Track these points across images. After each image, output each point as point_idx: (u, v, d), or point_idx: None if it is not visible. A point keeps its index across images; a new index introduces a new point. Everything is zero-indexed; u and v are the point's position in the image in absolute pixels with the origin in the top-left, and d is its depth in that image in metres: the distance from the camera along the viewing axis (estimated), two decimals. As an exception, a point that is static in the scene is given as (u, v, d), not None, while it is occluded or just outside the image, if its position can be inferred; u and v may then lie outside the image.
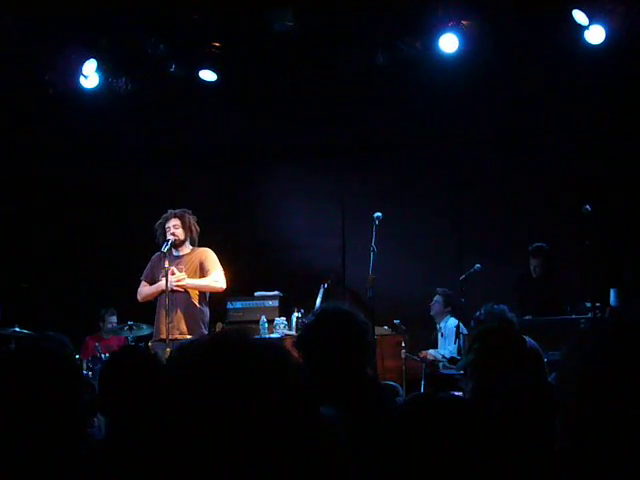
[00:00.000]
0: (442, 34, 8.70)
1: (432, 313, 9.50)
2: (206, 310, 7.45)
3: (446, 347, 9.16)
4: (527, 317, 8.09)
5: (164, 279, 7.23)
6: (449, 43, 8.71)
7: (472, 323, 8.06)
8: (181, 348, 1.33)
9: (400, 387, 7.63)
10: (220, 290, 7.46)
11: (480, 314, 5.83)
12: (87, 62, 9.08)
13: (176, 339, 7.05)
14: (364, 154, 10.90)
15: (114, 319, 10.03)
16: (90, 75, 9.20)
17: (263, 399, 1.19)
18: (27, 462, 2.20)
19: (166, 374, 1.25)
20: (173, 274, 7.29)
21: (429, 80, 9.30)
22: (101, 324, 10.09)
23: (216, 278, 7.40)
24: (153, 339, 7.53)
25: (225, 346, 1.25)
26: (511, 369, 3.56)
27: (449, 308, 9.38)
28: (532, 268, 8.81)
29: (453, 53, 8.79)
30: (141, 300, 7.51)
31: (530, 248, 8.81)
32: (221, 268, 7.47)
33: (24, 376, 2.31)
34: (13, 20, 8.35)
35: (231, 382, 1.20)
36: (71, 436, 2.31)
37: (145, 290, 7.45)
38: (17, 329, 8.81)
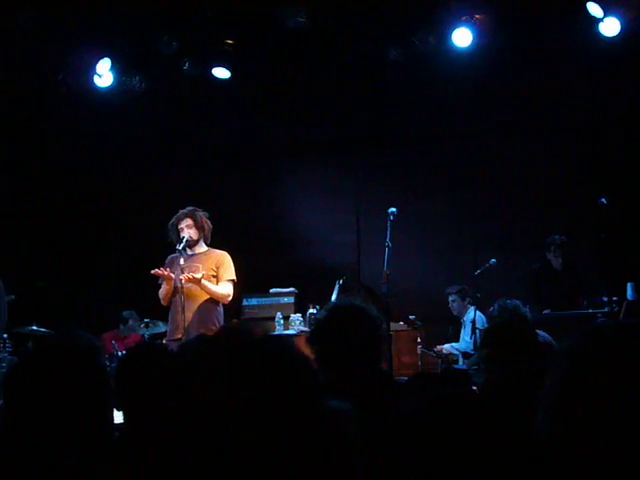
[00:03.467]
0: (455, 28, 8.68)
1: (455, 314, 9.48)
2: (220, 308, 7.44)
3: (464, 337, 9.15)
4: (546, 311, 8.06)
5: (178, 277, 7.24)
6: (462, 37, 8.69)
7: (486, 318, 8.07)
8: (187, 344, 1.33)
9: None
10: (224, 302, 7.42)
11: (493, 309, 5.83)
12: (101, 61, 9.11)
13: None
14: (379, 150, 10.89)
15: (133, 320, 10.07)
16: (104, 74, 9.23)
17: (266, 391, 1.19)
18: (54, 457, 2.21)
19: (174, 369, 1.26)
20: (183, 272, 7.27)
21: (442, 75, 9.28)
22: (121, 325, 10.11)
23: (226, 290, 7.36)
24: (168, 337, 7.53)
25: (229, 340, 1.25)
26: (524, 363, 3.55)
27: (468, 300, 9.35)
28: (558, 261, 8.71)
29: (466, 47, 8.76)
30: (164, 303, 7.50)
31: (555, 241, 8.71)
32: (233, 277, 7.41)
33: (52, 373, 2.33)
34: (27, 20, 8.38)
35: (234, 375, 1.20)
36: (97, 431, 2.33)
37: (161, 290, 7.45)
38: (34, 327, 8.88)
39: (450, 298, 9.44)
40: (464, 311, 9.41)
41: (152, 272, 7.28)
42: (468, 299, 9.34)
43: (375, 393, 3.03)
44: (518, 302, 5.74)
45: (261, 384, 1.20)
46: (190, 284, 7.19)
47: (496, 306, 5.86)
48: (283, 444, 1.19)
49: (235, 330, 1.31)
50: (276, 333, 8.51)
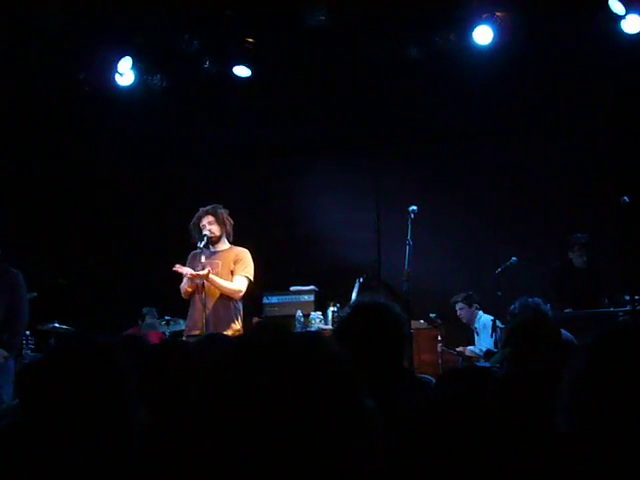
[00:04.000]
0: (476, 26, 8.66)
1: (465, 322, 9.44)
2: (240, 305, 7.46)
3: (482, 343, 9.11)
4: (567, 310, 8.02)
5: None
6: (483, 35, 8.66)
7: (507, 317, 8.04)
8: (224, 342, 1.34)
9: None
10: (235, 297, 7.42)
11: (515, 307, 5.80)
12: (122, 60, 9.16)
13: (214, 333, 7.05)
14: (398, 147, 10.87)
15: (152, 316, 10.11)
16: (125, 73, 9.27)
17: (308, 388, 1.20)
18: (72, 454, 2.22)
19: (211, 368, 1.26)
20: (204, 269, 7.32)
21: (463, 72, 9.25)
22: (140, 322, 10.17)
23: (237, 286, 7.37)
24: (186, 333, 7.56)
25: (269, 337, 1.26)
26: (547, 362, 3.53)
27: (475, 306, 9.33)
28: (581, 260, 8.65)
29: (487, 45, 8.74)
30: (184, 296, 7.54)
31: (582, 240, 8.65)
32: (248, 274, 7.42)
33: (70, 372, 2.34)
34: (49, 20, 8.43)
35: (275, 373, 1.20)
36: (116, 430, 2.34)
37: (183, 284, 7.49)
38: (56, 325, 8.93)
39: (457, 306, 9.39)
40: (473, 317, 9.36)
41: (173, 269, 7.32)
42: (475, 305, 9.31)
43: (398, 391, 3.03)
44: (539, 300, 5.71)
45: (301, 381, 1.20)
46: (202, 274, 7.24)
47: (517, 304, 5.83)
48: (323, 443, 1.19)
49: (271, 327, 1.31)
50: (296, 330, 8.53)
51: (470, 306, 9.34)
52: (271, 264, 8.43)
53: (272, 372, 1.20)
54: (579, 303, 8.25)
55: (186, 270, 7.30)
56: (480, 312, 9.29)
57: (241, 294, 7.40)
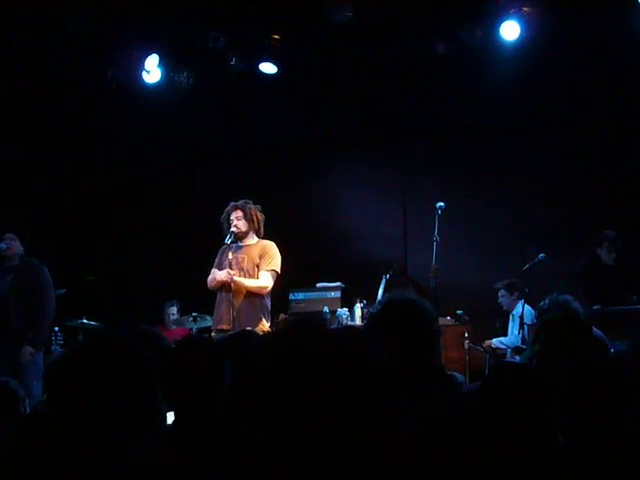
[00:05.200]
0: (503, 21, 8.61)
1: (505, 308, 9.44)
2: (267, 301, 7.47)
3: (513, 331, 9.09)
4: (596, 307, 7.97)
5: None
6: (510, 30, 8.61)
7: (536, 313, 7.99)
8: (261, 340, 1.33)
9: (463, 378, 7.57)
10: (262, 294, 7.43)
11: (544, 304, 5.76)
12: (149, 57, 9.19)
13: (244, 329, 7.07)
14: (425, 144, 10.84)
15: (174, 310, 10.18)
16: (152, 70, 9.31)
17: (348, 386, 1.19)
18: (101, 448, 2.24)
19: (251, 364, 1.25)
20: (231, 265, 7.38)
21: (490, 68, 9.20)
22: (163, 316, 10.24)
23: (263, 282, 7.39)
24: (213, 327, 7.59)
25: (308, 333, 1.25)
26: (577, 359, 3.51)
27: (516, 294, 9.30)
28: (610, 257, 8.61)
29: (515, 40, 8.68)
30: (209, 287, 7.59)
31: (610, 237, 8.60)
32: (274, 267, 7.43)
33: (98, 367, 2.35)
34: (76, 18, 8.48)
35: (315, 369, 1.20)
36: (143, 425, 2.35)
37: (210, 278, 7.55)
38: (84, 320, 9.01)
39: (499, 293, 9.41)
40: (513, 305, 9.35)
41: (221, 278, 7.35)
42: (517, 293, 9.28)
43: (428, 387, 3.02)
44: (569, 297, 5.67)
45: (341, 380, 1.19)
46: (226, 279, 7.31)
47: (547, 301, 5.79)
48: (360, 442, 1.19)
49: (308, 323, 1.30)
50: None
51: (511, 294, 9.34)
52: (297, 261, 8.43)
53: (310, 370, 1.19)
54: (607, 300, 8.19)
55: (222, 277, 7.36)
56: (521, 301, 9.27)
57: (267, 290, 7.41)
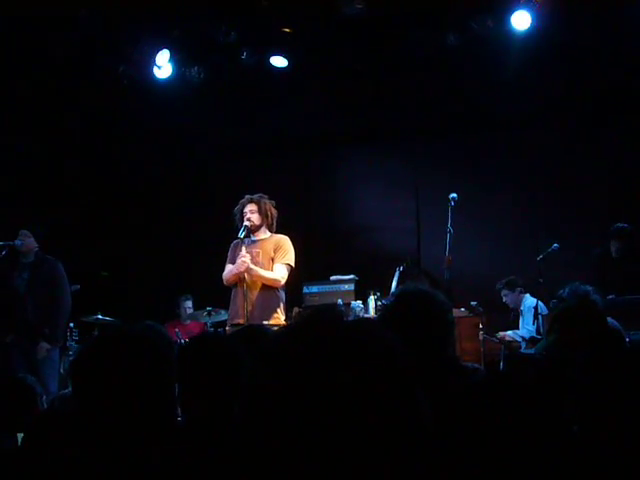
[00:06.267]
0: (514, 11, 8.57)
1: (512, 307, 9.43)
2: (282, 295, 7.48)
3: (524, 326, 9.07)
4: (610, 296, 7.94)
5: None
6: (521, 20, 8.58)
7: (551, 303, 7.97)
8: (279, 334, 1.33)
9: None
10: (276, 286, 7.43)
11: (564, 292, 5.75)
12: (160, 53, 9.21)
13: (253, 324, 7.08)
14: (437, 135, 10.83)
15: (189, 304, 10.21)
16: (163, 65, 9.33)
17: (366, 378, 1.19)
18: (121, 442, 2.25)
19: (267, 360, 1.25)
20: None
21: (502, 59, 9.16)
22: (177, 310, 10.26)
23: (278, 274, 7.39)
24: (228, 322, 7.60)
25: (325, 324, 1.25)
26: (592, 348, 3.50)
27: (519, 289, 9.30)
28: (614, 249, 8.60)
29: (526, 30, 8.65)
30: (225, 283, 7.60)
31: (612, 229, 8.59)
32: (289, 261, 7.43)
33: (119, 360, 2.36)
34: (88, 13, 8.50)
35: (331, 362, 1.19)
36: (161, 420, 2.36)
37: (225, 272, 7.55)
38: (99, 316, 9.04)
39: (502, 293, 9.40)
40: (519, 300, 9.34)
41: (238, 269, 7.35)
42: (519, 288, 9.28)
43: (443, 378, 3.02)
44: (590, 288, 5.64)
45: (359, 372, 1.19)
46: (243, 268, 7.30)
47: (567, 290, 5.77)
48: (378, 435, 1.19)
49: (326, 315, 1.30)
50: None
51: (513, 291, 9.33)
52: (311, 254, 8.43)
53: (328, 361, 1.19)
54: (618, 289, 8.16)
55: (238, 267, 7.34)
56: (527, 295, 9.25)
57: (282, 282, 7.41)
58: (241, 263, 7.28)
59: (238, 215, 7.52)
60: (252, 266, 7.26)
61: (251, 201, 7.51)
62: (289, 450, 1.19)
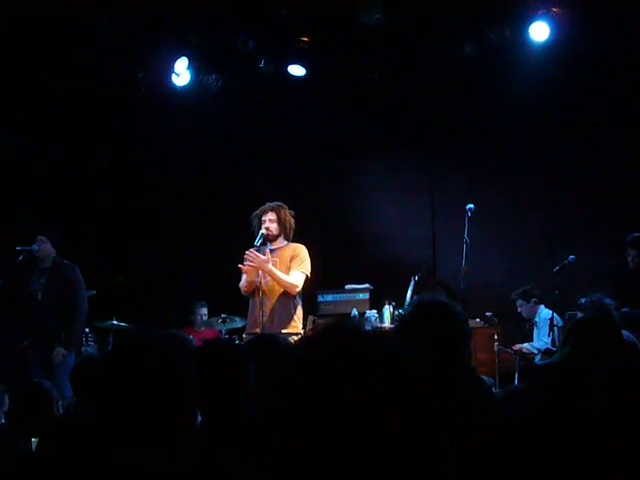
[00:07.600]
0: (532, 22, 8.56)
1: (526, 317, 9.33)
2: (299, 304, 7.46)
3: (541, 338, 9.01)
4: (625, 309, 7.90)
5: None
6: (540, 31, 8.56)
7: (567, 315, 7.94)
8: (298, 346, 1.32)
9: (493, 381, 7.55)
10: (291, 292, 7.39)
11: (584, 301, 5.70)
12: (178, 60, 9.25)
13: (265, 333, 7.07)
14: (454, 145, 10.82)
15: (204, 311, 10.22)
16: (181, 73, 9.36)
17: (388, 393, 1.18)
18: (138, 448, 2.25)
19: (287, 373, 1.24)
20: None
21: (519, 70, 9.15)
22: (192, 317, 10.27)
23: (294, 280, 7.36)
24: (246, 331, 7.60)
25: (344, 337, 1.25)
26: (608, 362, 3.49)
27: (534, 300, 9.21)
28: (630, 259, 8.55)
29: (544, 41, 8.63)
30: (242, 293, 7.58)
31: (629, 238, 8.55)
32: (305, 270, 7.41)
33: (144, 370, 2.37)
34: (106, 21, 8.55)
35: (353, 374, 1.19)
36: (179, 428, 2.37)
37: (242, 282, 7.53)
38: (115, 322, 9.07)
39: (517, 303, 9.29)
40: (534, 312, 9.23)
41: (240, 266, 7.34)
42: (534, 299, 9.18)
43: (459, 389, 3.01)
44: (610, 302, 5.60)
45: (380, 387, 1.19)
46: (268, 279, 7.26)
47: (587, 300, 5.73)
48: (399, 450, 1.18)
49: (343, 326, 1.30)
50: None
51: (528, 301, 9.23)
52: (326, 262, 8.44)
53: (346, 376, 1.19)
54: (635, 302, 8.11)
55: (250, 263, 7.28)
56: (541, 306, 9.16)
57: (298, 289, 7.39)
58: (262, 259, 7.22)
59: (256, 220, 7.49)
60: (271, 267, 7.24)
61: (272, 209, 7.47)
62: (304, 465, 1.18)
